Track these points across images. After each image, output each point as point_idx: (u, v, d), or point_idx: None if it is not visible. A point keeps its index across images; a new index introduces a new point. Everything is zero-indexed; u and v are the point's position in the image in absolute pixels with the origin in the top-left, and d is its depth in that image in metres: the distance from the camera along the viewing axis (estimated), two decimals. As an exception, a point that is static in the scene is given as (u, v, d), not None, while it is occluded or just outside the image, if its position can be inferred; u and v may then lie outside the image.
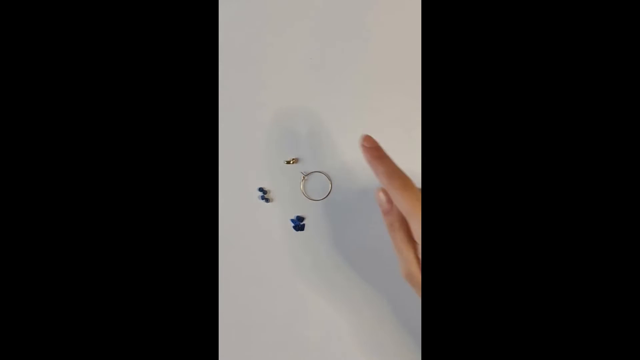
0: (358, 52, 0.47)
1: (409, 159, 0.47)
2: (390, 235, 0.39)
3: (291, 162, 0.47)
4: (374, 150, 0.39)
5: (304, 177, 0.45)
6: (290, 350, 0.47)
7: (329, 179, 0.47)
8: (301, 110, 0.47)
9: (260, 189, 0.47)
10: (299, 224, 0.47)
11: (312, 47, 0.47)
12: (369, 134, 0.39)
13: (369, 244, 0.47)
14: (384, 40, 0.47)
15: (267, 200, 0.47)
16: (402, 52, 0.47)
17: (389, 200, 0.39)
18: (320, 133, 0.47)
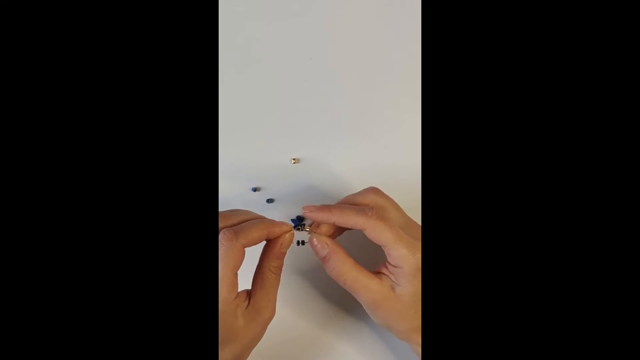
0: (359, 51, 0.47)
1: (409, 158, 0.47)
2: (340, 280, 0.38)
3: (292, 162, 0.47)
4: (318, 212, 0.37)
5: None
6: (291, 352, 0.47)
7: None
8: (302, 110, 0.47)
9: (254, 189, 0.47)
10: (299, 223, 0.47)
11: (313, 47, 0.47)
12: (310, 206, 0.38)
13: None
14: (385, 40, 0.47)
15: (269, 200, 0.47)
16: (402, 52, 0.47)
17: (325, 245, 0.37)
18: (320, 133, 0.47)
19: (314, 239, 0.38)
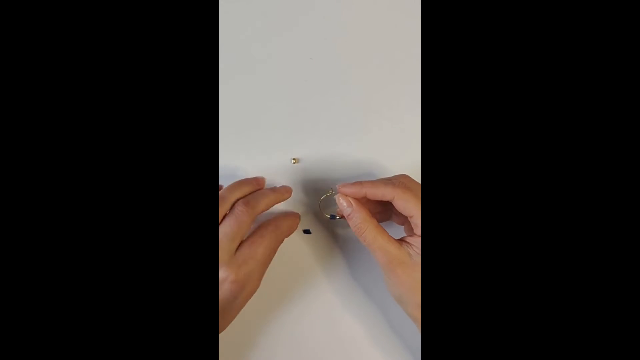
0: (358, 51, 0.47)
1: (409, 158, 0.47)
2: (361, 237, 0.39)
3: (292, 162, 0.47)
4: (350, 186, 0.39)
5: (330, 191, 0.43)
6: (291, 350, 0.47)
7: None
8: (302, 110, 0.47)
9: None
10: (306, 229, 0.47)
11: (313, 47, 0.47)
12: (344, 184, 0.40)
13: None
14: (385, 40, 0.47)
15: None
16: (402, 52, 0.47)
17: (350, 204, 0.39)
18: (320, 133, 0.47)
19: (340, 198, 0.40)
